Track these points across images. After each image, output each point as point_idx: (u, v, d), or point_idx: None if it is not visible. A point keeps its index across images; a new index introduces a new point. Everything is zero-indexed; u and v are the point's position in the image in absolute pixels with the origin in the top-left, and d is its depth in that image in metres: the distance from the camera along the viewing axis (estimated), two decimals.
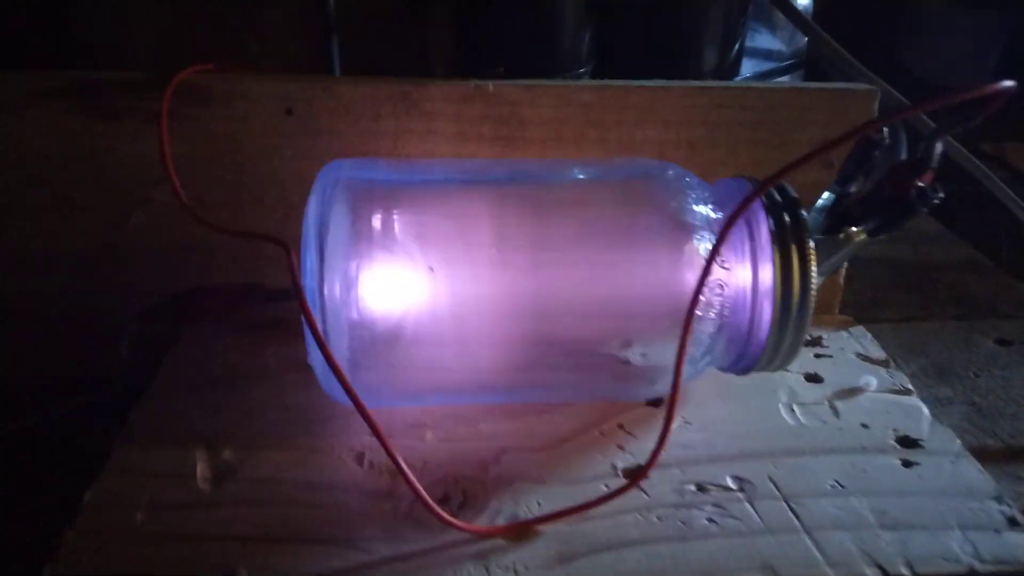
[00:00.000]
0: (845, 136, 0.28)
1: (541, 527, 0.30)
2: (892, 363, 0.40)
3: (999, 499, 0.32)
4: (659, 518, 0.30)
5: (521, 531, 0.30)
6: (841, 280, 0.44)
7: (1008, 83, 0.26)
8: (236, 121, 0.39)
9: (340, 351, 0.32)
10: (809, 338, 0.42)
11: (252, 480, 0.32)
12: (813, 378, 0.39)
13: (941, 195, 0.31)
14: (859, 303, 0.55)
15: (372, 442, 0.34)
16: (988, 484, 0.32)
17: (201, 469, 0.32)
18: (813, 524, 0.30)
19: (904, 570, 0.28)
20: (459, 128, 0.39)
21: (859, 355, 0.41)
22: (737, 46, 0.47)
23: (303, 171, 0.39)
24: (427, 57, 0.44)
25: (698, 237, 0.32)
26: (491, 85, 0.38)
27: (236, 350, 0.39)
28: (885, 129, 0.31)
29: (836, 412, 0.36)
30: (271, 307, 0.36)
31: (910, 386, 0.38)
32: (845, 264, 0.44)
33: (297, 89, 0.38)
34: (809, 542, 0.29)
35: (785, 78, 0.55)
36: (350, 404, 0.29)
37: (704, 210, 0.32)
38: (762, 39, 0.58)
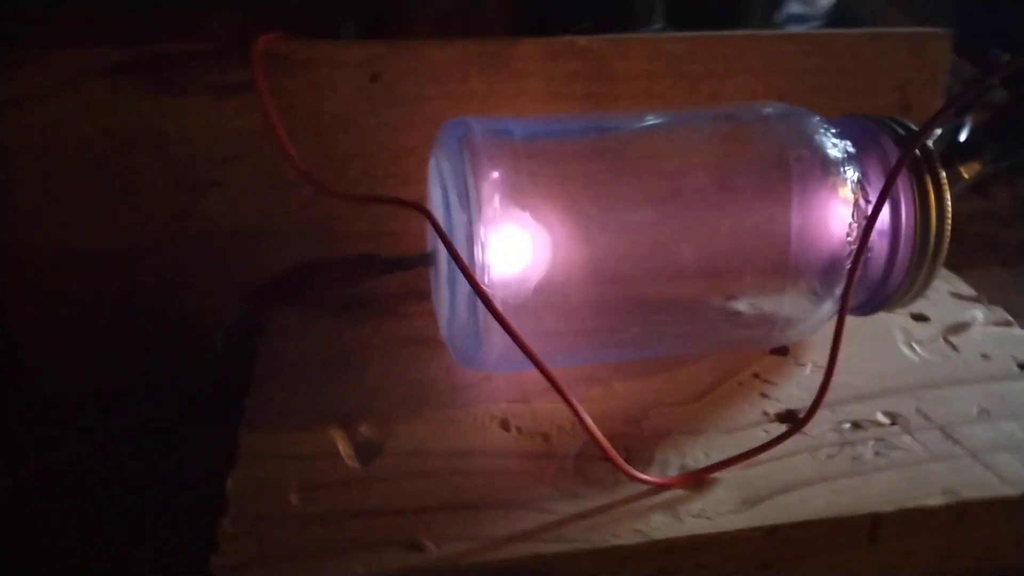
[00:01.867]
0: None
1: (717, 474, 0.29)
2: (984, 298, 0.41)
3: None
4: (828, 456, 0.30)
5: (699, 480, 0.29)
6: None
7: None
8: (318, 89, 0.37)
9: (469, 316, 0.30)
10: None
11: (401, 454, 0.30)
12: (920, 317, 0.39)
13: None
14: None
15: (511, 408, 0.33)
16: None
17: (343, 447, 0.30)
18: (976, 447, 0.30)
19: None
20: (549, 87, 0.38)
21: (952, 294, 0.41)
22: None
23: (388, 141, 0.38)
24: (506, 13, 0.43)
25: (844, 172, 0.31)
26: (584, 40, 0.37)
27: (334, 331, 0.37)
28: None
29: (953, 346, 0.37)
30: (376, 282, 0.34)
31: (1010, 318, 0.39)
32: None
33: (383, 53, 0.37)
34: (979, 465, 0.29)
35: None
36: (484, 371, 0.28)
37: (843, 145, 0.32)
38: (792, 5, 0.59)
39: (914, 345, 0.37)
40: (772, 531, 0.27)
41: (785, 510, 0.27)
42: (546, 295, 0.32)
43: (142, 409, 0.39)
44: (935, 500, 0.28)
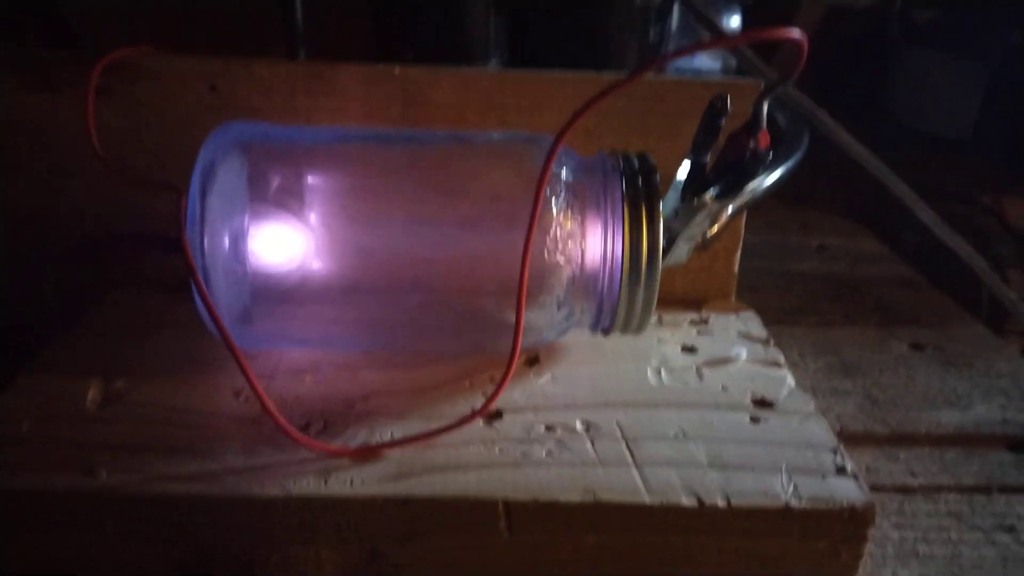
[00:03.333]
0: (603, 93, 0.31)
1: (387, 451, 0.32)
2: (772, 342, 0.42)
3: (835, 451, 0.33)
4: (500, 450, 0.32)
5: (367, 454, 0.32)
6: (735, 268, 0.46)
7: (798, 33, 0.29)
8: (165, 95, 0.43)
9: (230, 299, 0.35)
10: (696, 317, 0.44)
11: (135, 403, 0.34)
12: (689, 349, 0.40)
13: (771, 157, 0.33)
14: (784, 309, 0.57)
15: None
16: (830, 440, 0.34)
17: (92, 394, 0.35)
18: (644, 461, 0.32)
19: (720, 501, 0.30)
20: (368, 108, 0.43)
21: (740, 333, 0.42)
22: (648, 46, 0.50)
23: None
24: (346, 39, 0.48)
25: (556, 198, 0.34)
26: (397, 68, 0.42)
27: (153, 304, 0.42)
28: (728, 98, 0.34)
29: (701, 376, 0.38)
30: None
31: (782, 361, 0.40)
32: (739, 251, 0.46)
33: (220, 68, 0.42)
34: (635, 474, 0.31)
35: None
36: (249, 349, 0.32)
37: (563, 172, 0.35)
38: (699, 61, 0.62)
39: (662, 371, 0.38)
40: (404, 503, 0.30)
41: (426, 486, 0.30)
42: (309, 288, 0.36)
43: None
44: (570, 496, 0.30)
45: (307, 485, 0.30)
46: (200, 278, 0.32)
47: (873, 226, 0.74)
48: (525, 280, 0.32)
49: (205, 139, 0.35)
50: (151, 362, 0.38)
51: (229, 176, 0.35)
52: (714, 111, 0.34)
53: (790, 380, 0.38)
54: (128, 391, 0.35)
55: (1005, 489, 0.39)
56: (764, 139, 0.33)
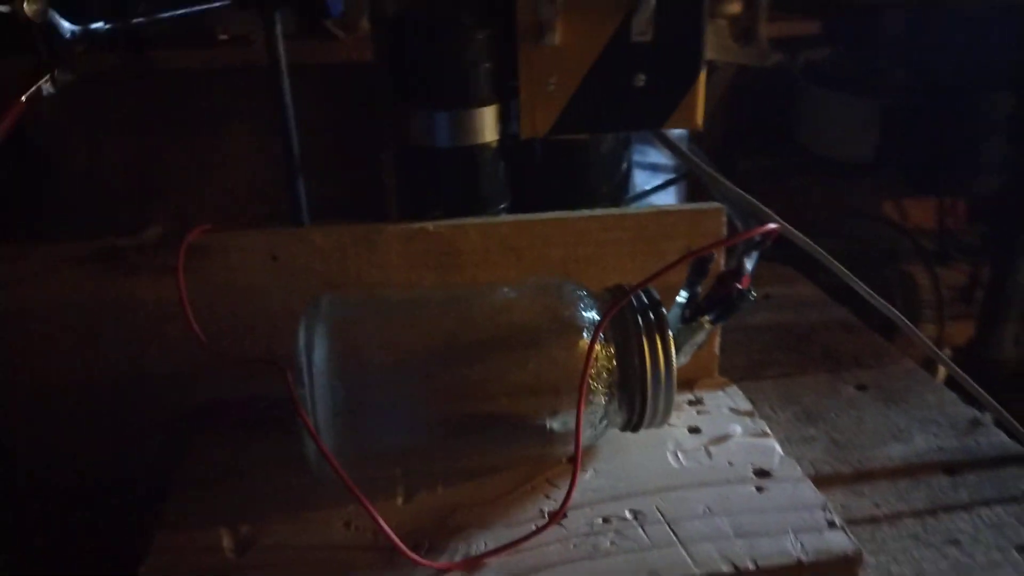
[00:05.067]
0: (673, 264, 0.40)
1: (487, 560, 0.40)
2: (756, 413, 0.52)
3: (824, 508, 0.43)
4: (575, 545, 0.41)
5: (472, 564, 0.40)
6: (716, 350, 0.56)
7: (772, 226, 0.39)
8: (231, 269, 0.50)
9: (327, 439, 0.42)
10: (692, 398, 0.54)
11: (266, 547, 0.42)
12: (694, 430, 0.50)
13: (754, 295, 0.43)
14: (749, 365, 0.67)
15: (355, 510, 0.44)
16: (817, 498, 0.44)
17: (227, 542, 0.42)
18: (687, 539, 0.41)
19: (751, 564, 0.39)
20: (407, 260, 0.51)
21: (731, 409, 0.52)
22: (623, 172, 0.60)
23: (289, 303, 0.51)
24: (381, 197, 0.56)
25: (587, 334, 0.43)
26: (431, 226, 0.50)
27: (241, 448, 0.49)
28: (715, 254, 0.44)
29: (709, 455, 0.48)
30: (272, 413, 0.47)
31: (768, 430, 0.50)
32: (719, 337, 0.56)
33: (279, 240, 0.50)
34: (683, 552, 0.40)
35: (670, 190, 0.69)
36: (336, 481, 0.40)
37: (591, 315, 0.44)
38: (651, 155, 0.72)
39: (679, 454, 0.48)
40: None
41: None
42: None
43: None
44: None
45: None
46: (316, 433, 0.40)
47: (803, 269, 0.86)
48: (582, 406, 0.41)
49: (272, 307, 0.43)
50: (263, 504, 0.45)
51: (323, 347, 0.42)
52: (703, 265, 0.43)
53: (778, 449, 0.48)
54: (256, 536, 0.43)
55: (948, 509, 0.50)
56: (746, 281, 0.43)
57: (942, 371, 1.24)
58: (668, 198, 0.71)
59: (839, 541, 0.41)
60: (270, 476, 0.47)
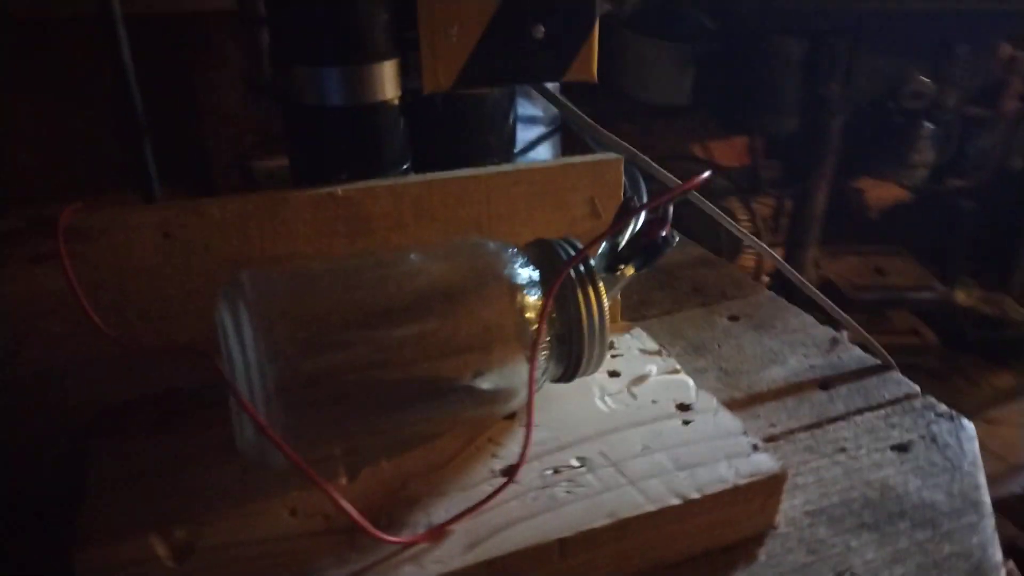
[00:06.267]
0: (623, 215, 0.41)
1: (451, 527, 0.40)
2: (663, 351, 0.55)
3: (745, 433, 0.47)
4: (533, 499, 0.42)
5: (437, 534, 0.40)
6: (618, 296, 0.58)
7: (706, 174, 0.40)
8: (116, 251, 0.44)
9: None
10: None
11: (209, 549, 0.39)
12: (614, 374, 0.52)
13: (677, 238, 0.45)
14: (631, 306, 0.71)
15: (298, 496, 0.42)
16: (737, 425, 0.48)
17: (161, 550, 0.38)
18: (634, 477, 0.43)
19: (696, 494, 0.42)
20: (316, 228, 0.48)
21: (640, 350, 0.55)
22: (511, 126, 0.59)
23: (186, 284, 0.46)
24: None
25: (527, 292, 0.43)
26: (340, 190, 0.48)
27: (155, 446, 0.45)
28: (642, 196, 0.45)
29: (634, 396, 0.50)
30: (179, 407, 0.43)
31: (679, 367, 0.53)
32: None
33: (171, 215, 0.45)
34: (635, 490, 0.42)
35: (547, 143, 0.69)
36: (277, 467, 0.38)
37: (527, 272, 0.44)
38: (525, 108, 0.72)
39: (606, 398, 0.50)
40: (490, 564, 0.38)
41: (498, 546, 0.39)
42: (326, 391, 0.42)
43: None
44: (602, 522, 0.40)
45: (414, 574, 0.37)
46: (259, 416, 0.37)
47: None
48: (535, 362, 0.41)
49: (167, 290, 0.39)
50: (194, 502, 0.41)
51: (250, 327, 0.39)
52: (629, 205, 0.45)
53: (692, 383, 0.52)
54: (194, 538, 0.39)
55: (830, 420, 0.56)
56: (668, 227, 0.45)
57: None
58: (545, 150, 0.72)
59: (766, 462, 0.45)
60: (195, 472, 0.43)
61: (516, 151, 0.62)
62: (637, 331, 0.57)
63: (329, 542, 0.39)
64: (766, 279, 1.46)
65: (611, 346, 0.55)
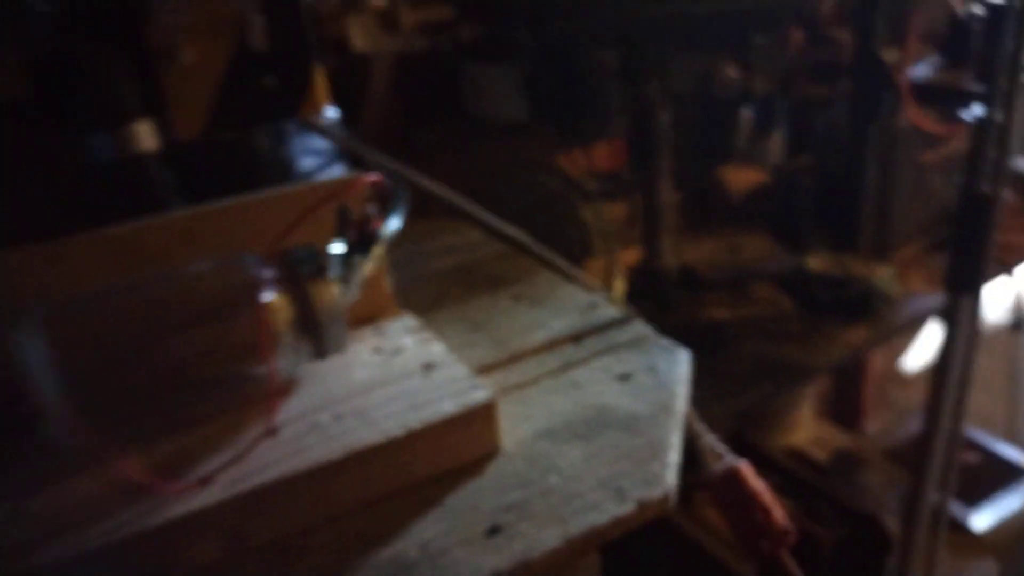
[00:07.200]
0: (301, 217, 0.53)
1: (216, 476, 0.50)
2: (425, 328, 0.66)
3: (470, 377, 0.58)
4: (286, 450, 0.52)
5: (205, 481, 0.50)
6: (388, 291, 0.70)
7: (372, 176, 0.52)
8: None
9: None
10: (375, 330, 0.67)
11: (32, 516, 0.48)
12: (377, 350, 0.63)
13: (383, 232, 0.57)
14: (430, 299, 0.82)
15: (102, 471, 0.52)
16: (467, 372, 0.59)
17: None
18: (374, 420, 0.54)
19: (418, 425, 0.53)
20: (96, 266, 0.58)
21: (404, 329, 0.66)
22: (284, 158, 0.71)
23: None
24: None
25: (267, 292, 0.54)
26: (114, 231, 0.58)
27: None
28: (348, 208, 0.57)
29: (390, 364, 0.61)
30: None
31: (432, 336, 0.65)
32: (385, 278, 0.69)
33: None
34: (371, 430, 0.53)
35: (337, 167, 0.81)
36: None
37: (269, 275, 0.55)
38: (315, 142, 0.84)
39: (365, 368, 0.61)
40: (242, 497, 0.49)
41: (249, 483, 0.49)
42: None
43: None
44: (338, 455, 0.51)
45: (183, 509, 0.48)
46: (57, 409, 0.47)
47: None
48: (268, 348, 0.52)
49: None
50: (19, 482, 0.51)
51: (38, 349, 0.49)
52: (344, 215, 0.56)
53: (440, 347, 0.63)
54: (16, 512, 0.49)
55: (573, 365, 0.68)
56: (376, 223, 0.57)
57: (619, 284, 1.50)
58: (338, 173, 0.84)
59: (479, 395, 0.56)
60: (12, 464, 0.53)
61: (294, 179, 0.74)
62: (407, 317, 0.69)
63: (121, 498, 0.49)
64: (625, 270, 1.59)
65: (380, 332, 0.67)
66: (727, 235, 1.79)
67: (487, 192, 1.61)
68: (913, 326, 1.83)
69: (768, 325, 1.56)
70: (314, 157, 0.80)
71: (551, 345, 0.71)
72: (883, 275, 1.63)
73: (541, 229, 1.63)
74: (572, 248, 1.55)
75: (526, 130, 1.62)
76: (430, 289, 0.84)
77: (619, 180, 1.75)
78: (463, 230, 0.98)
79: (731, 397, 1.37)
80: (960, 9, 1.41)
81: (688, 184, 1.74)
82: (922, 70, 1.61)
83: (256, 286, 0.54)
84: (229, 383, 0.56)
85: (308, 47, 0.61)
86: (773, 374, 1.39)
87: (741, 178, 1.86)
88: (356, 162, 0.78)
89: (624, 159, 1.78)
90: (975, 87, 1.49)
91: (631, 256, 1.59)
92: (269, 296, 0.54)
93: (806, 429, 2.02)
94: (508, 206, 1.64)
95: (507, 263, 0.89)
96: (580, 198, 1.70)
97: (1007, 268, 1.79)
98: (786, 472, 1.88)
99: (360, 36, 1.10)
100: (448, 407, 0.55)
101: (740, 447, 0.73)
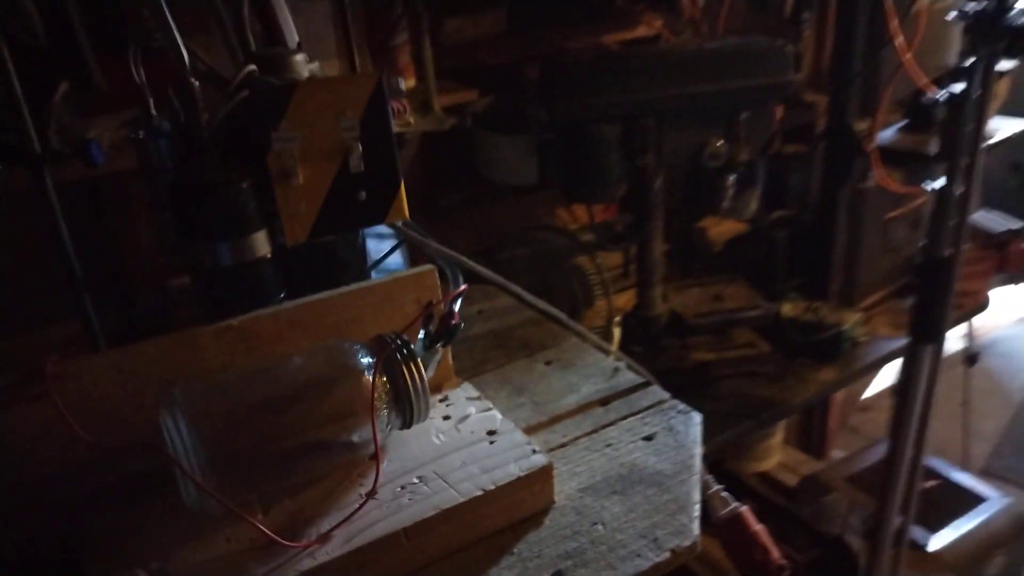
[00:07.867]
0: (415, 319, 0.65)
1: (333, 533, 0.62)
2: (483, 396, 0.79)
3: (529, 443, 0.71)
4: (386, 508, 0.64)
5: (324, 538, 0.62)
6: (450, 362, 0.82)
7: (463, 287, 0.65)
8: (87, 383, 0.66)
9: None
10: (442, 397, 0.79)
11: (174, 572, 0.60)
12: (446, 417, 0.76)
13: (462, 325, 0.69)
14: (474, 364, 0.95)
15: (231, 531, 0.63)
16: (525, 439, 0.71)
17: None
18: (454, 482, 0.66)
19: (492, 486, 0.66)
20: (222, 350, 0.70)
21: (467, 398, 0.79)
22: (360, 249, 0.83)
23: (135, 402, 0.67)
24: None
25: (367, 373, 0.66)
26: (235, 322, 0.70)
27: (127, 512, 0.65)
28: (433, 302, 0.69)
29: (459, 430, 0.74)
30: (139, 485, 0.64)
31: (491, 406, 0.77)
32: (450, 353, 0.82)
33: (121, 356, 0.67)
34: (452, 490, 0.66)
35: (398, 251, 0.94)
36: (212, 513, 0.59)
37: (366, 359, 0.67)
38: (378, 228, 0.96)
39: (440, 435, 0.73)
40: (359, 551, 0.61)
41: (363, 539, 0.61)
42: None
43: None
44: (431, 513, 0.63)
45: (310, 563, 0.59)
46: (197, 480, 0.59)
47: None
48: (375, 419, 0.64)
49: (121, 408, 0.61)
50: (161, 544, 0.62)
51: (184, 423, 0.61)
52: (429, 309, 0.69)
53: (498, 415, 0.75)
54: (164, 565, 0.60)
55: (604, 427, 0.81)
56: (456, 317, 0.69)
57: (617, 334, 1.64)
58: (396, 258, 0.96)
59: (539, 459, 0.69)
60: (157, 526, 0.64)
61: (369, 265, 0.86)
62: (466, 385, 0.81)
63: (255, 555, 0.61)
64: (617, 318, 1.72)
65: (446, 399, 0.79)
66: (710, 283, 1.94)
67: (500, 246, 1.75)
68: (878, 366, 1.98)
69: (748, 366, 1.71)
70: (377, 240, 0.93)
71: (583, 408, 0.84)
72: (851, 320, 1.77)
73: (548, 280, 1.78)
74: (576, 297, 1.68)
75: (535, 192, 1.76)
76: (473, 355, 0.96)
77: (613, 231, 1.89)
78: (491, 295, 1.11)
79: (716, 433, 1.51)
80: (927, 92, 1.57)
81: (675, 237, 1.88)
82: (889, 134, 1.77)
83: (360, 368, 0.67)
84: (333, 450, 0.68)
85: (396, 168, 0.73)
86: (752, 411, 1.54)
87: (722, 229, 2.02)
88: (413, 248, 0.90)
89: (616, 210, 1.92)
90: (937, 151, 1.65)
91: (625, 300, 1.73)
92: (370, 375, 0.67)
93: (776, 455, 2.18)
94: (518, 259, 1.79)
95: (537, 329, 1.02)
96: (580, 250, 1.84)
97: (966, 315, 1.96)
98: (760, 497, 2.03)
99: (397, 120, 1.23)
100: (514, 470, 0.68)
101: (719, 474, 0.87)
